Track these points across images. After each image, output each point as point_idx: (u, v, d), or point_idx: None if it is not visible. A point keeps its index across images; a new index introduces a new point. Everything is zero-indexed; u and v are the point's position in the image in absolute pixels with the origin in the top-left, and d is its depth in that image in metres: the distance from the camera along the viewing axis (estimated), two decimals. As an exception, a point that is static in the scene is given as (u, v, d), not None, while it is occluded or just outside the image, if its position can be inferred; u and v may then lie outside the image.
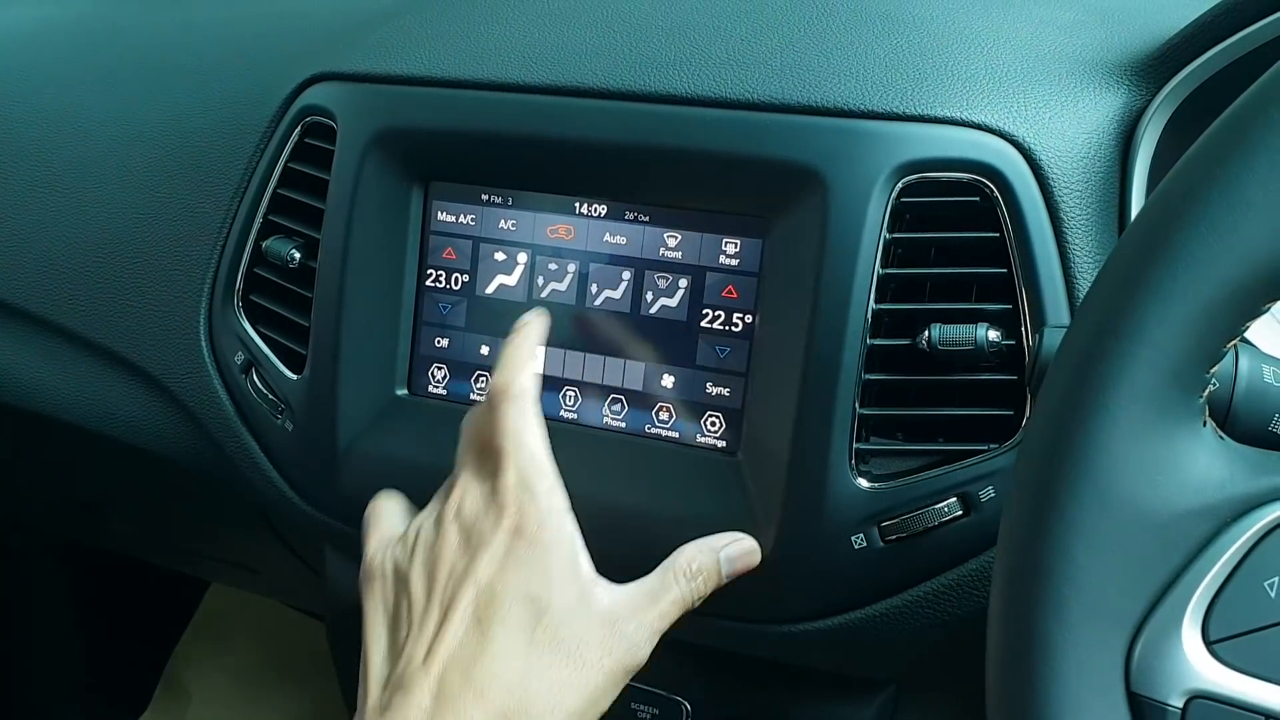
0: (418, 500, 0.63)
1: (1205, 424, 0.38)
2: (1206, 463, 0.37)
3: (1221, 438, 0.39)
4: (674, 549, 0.59)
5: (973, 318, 0.57)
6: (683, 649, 0.66)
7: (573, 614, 0.54)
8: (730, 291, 0.62)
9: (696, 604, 0.58)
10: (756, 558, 0.59)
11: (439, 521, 0.57)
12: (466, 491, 0.57)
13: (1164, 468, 0.37)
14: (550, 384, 0.66)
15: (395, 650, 0.56)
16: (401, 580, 0.57)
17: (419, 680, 0.53)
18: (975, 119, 0.58)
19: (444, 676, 0.53)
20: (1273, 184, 0.35)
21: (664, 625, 0.56)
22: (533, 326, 0.61)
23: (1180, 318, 0.36)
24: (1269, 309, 0.37)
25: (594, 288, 0.65)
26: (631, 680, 0.58)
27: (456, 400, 0.68)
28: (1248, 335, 0.57)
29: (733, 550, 0.59)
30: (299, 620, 1.38)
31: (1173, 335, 0.36)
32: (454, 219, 0.68)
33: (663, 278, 0.63)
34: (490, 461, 0.57)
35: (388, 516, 0.63)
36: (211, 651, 1.40)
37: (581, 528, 0.58)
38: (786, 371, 0.59)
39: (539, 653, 0.53)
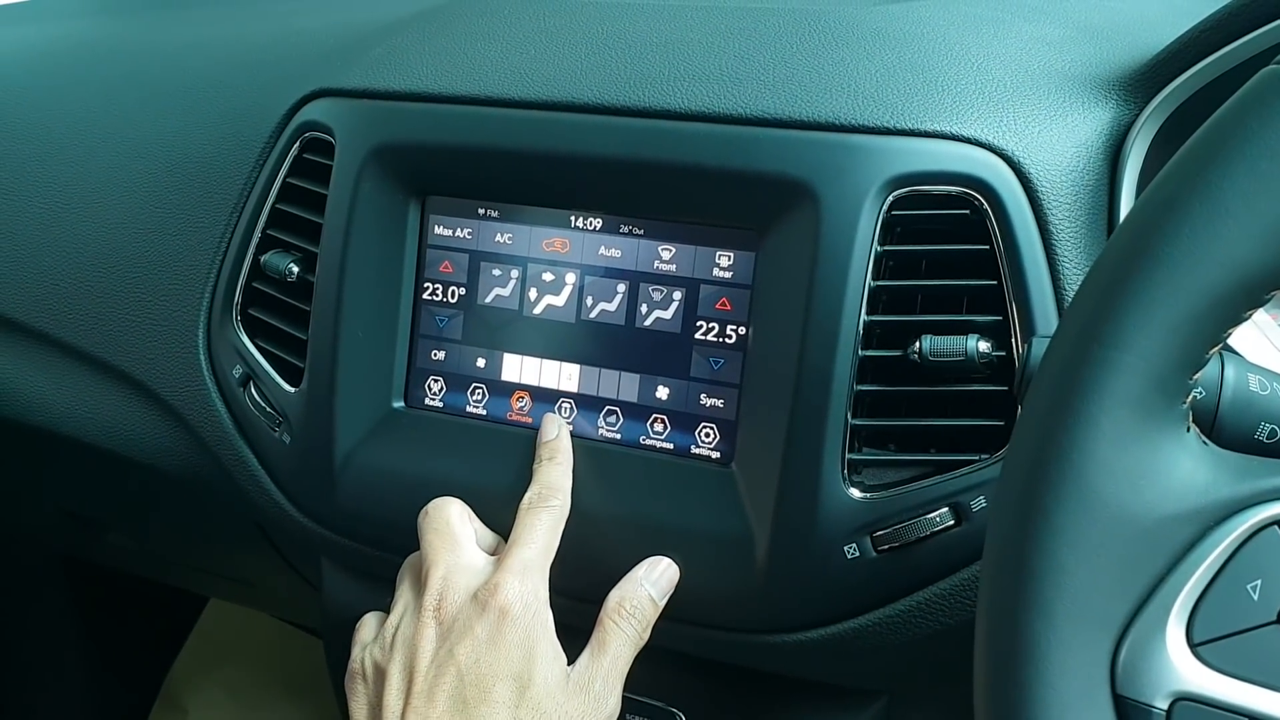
0: (411, 512, 0.64)
1: (1189, 429, 0.39)
2: (1190, 467, 0.38)
3: (1205, 443, 0.39)
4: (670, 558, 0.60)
5: (963, 329, 0.57)
6: (677, 660, 0.67)
7: (555, 687, 0.56)
8: (724, 304, 0.62)
9: (645, 638, 0.59)
10: (676, 571, 0.61)
11: (417, 615, 0.58)
12: (448, 583, 0.58)
13: (1148, 472, 0.37)
14: (546, 396, 0.67)
15: None
16: (381, 675, 0.58)
17: None
18: (965, 133, 0.58)
19: None
20: (1251, 193, 0.35)
21: (623, 668, 0.58)
22: (560, 441, 0.64)
23: (1163, 324, 0.36)
24: (1250, 316, 0.37)
25: (589, 300, 0.65)
26: (626, 691, 0.59)
27: (453, 413, 0.69)
28: (1234, 345, 0.57)
29: (653, 574, 0.61)
30: (297, 636, 1.38)
31: (1156, 341, 0.37)
32: (450, 233, 0.68)
33: (657, 290, 0.64)
34: (477, 554, 0.60)
35: (368, 625, 0.64)
36: (209, 667, 1.40)
37: (576, 538, 0.58)
38: (779, 383, 0.59)
39: None
